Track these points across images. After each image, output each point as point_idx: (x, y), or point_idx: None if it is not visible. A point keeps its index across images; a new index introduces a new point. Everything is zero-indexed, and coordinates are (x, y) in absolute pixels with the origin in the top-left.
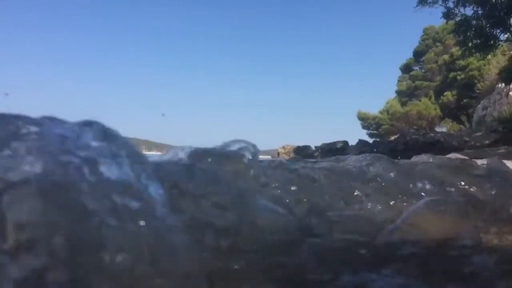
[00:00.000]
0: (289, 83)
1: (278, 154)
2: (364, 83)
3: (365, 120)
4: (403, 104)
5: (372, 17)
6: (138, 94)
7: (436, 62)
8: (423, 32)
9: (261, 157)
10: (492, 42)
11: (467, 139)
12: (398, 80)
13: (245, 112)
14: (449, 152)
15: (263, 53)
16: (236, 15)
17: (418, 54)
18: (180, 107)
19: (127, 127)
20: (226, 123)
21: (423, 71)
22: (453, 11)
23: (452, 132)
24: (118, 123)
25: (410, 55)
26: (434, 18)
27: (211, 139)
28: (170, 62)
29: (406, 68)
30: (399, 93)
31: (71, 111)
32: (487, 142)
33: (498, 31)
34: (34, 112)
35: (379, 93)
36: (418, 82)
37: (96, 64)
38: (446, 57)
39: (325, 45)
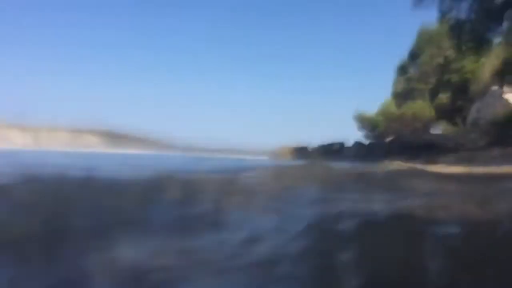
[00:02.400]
0: (285, 84)
1: (277, 154)
2: (360, 84)
3: (361, 122)
4: (399, 105)
5: (368, 19)
6: (139, 92)
7: (431, 64)
8: (418, 34)
9: (259, 157)
10: (486, 45)
11: (461, 141)
12: (394, 82)
13: (242, 112)
14: (444, 154)
15: (259, 53)
16: (235, 13)
17: (413, 56)
18: (176, 107)
19: (128, 124)
20: (222, 123)
21: (418, 73)
22: (448, 13)
23: (447, 133)
24: (119, 121)
25: (405, 56)
26: (429, 20)
27: (211, 138)
28: (168, 61)
29: (401, 70)
30: (394, 94)
31: (76, 108)
32: (481, 144)
33: (492, 34)
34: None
35: (375, 94)
36: (413, 84)
37: (96, 60)
38: (440, 59)
39: (320, 46)
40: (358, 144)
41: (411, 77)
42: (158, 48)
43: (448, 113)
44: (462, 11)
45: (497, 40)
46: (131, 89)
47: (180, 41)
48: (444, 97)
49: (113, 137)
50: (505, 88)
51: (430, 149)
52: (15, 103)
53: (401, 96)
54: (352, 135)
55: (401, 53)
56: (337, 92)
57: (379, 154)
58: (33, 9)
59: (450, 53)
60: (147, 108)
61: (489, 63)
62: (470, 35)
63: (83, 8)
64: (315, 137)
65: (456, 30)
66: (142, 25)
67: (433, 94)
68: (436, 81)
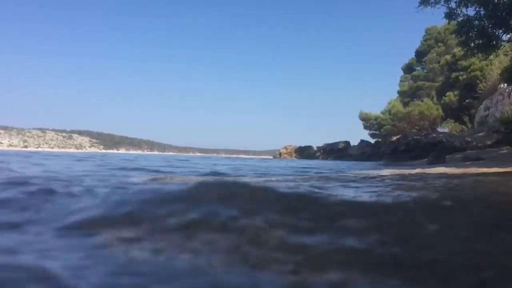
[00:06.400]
0: (290, 83)
1: (280, 154)
2: (366, 83)
3: (367, 121)
4: (405, 104)
5: (374, 18)
6: (139, 94)
7: (438, 62)
8: (425, 32)
9: (263, 157)
10: (494, 42)
11: (469, 139)
12: (400, 81)
13: (246, 112)
14: (450, 153)
15: (264, 52)
16: (238, 12)
17: (420, 55)
18: (180, 107)
19: (129, 127)
20: (226, 123)
21: (425, 71)
22: (455, 11)
23: (454, 132)
24: (119, 123)
25: (412, 55)
26: (436, 18)
27: (211, 139)
28: (169, 61)
29: (408, 69)
30: (401, 93)
31: (70, 109)
32: (489, 142)
33: (500, 31)
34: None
35: (381, 93)
36: (420, 83)
37: (95, 62)
38: (448, 57)
39: (326, 46)
40: (364, 143)
41: (417, 76)
42: (157, 47)
43: (456, 112)
44: (471, 8)
45: (506, 37)
46: (128, 90)
47: (181, 39)
48: (451, 96)
49: (105, 138)
50: None
51: (436, 148)
52: (3, 105)
53: (408, 94)
54: (355, 136)
55: (407, 53)
56: (341, 92)
57: (385, 153)
58: (25, 5)
59: (458, 50)
60: (145, 108)
61: (498, 60)
62: (479, 32)
63: (71, 5)
64: (315, 138)
65: (465, 27)
66: (136, 22)
67: (440, 92)
68: (444, 79)
